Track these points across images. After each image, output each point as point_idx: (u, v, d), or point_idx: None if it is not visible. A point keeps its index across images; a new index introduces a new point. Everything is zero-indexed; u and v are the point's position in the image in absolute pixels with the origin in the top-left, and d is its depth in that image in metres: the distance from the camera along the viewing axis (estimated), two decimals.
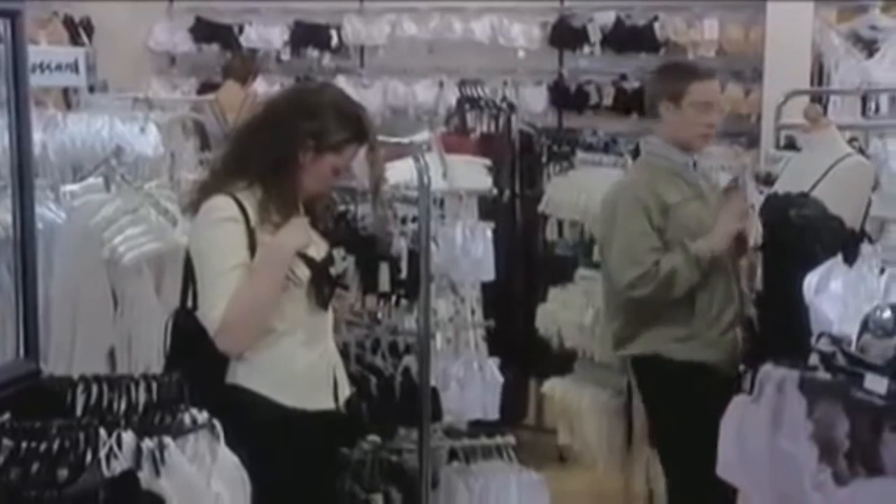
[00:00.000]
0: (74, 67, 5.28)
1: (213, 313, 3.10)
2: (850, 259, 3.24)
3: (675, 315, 4.05)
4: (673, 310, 4.03)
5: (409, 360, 4.10)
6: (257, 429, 3.01)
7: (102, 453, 2.19)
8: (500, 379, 4.45)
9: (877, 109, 7.00)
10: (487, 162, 5.11)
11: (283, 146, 3.21)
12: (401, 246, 4.09)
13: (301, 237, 3.27)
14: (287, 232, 3.25)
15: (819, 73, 7.44)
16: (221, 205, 3.17)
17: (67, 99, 6.18)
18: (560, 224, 6.11)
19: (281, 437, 3.16)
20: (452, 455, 4.27)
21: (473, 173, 4.77)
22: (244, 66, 8.05)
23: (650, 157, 4.23)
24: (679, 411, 4.05)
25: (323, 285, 3.30)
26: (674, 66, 4.78)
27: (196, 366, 2.99)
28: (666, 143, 4.14)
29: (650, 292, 3.97)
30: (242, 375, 3.18)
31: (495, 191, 4.88)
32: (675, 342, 4.05)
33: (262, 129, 3.29)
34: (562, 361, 5.79)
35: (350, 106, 3.43)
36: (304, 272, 3.25)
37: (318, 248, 3.35)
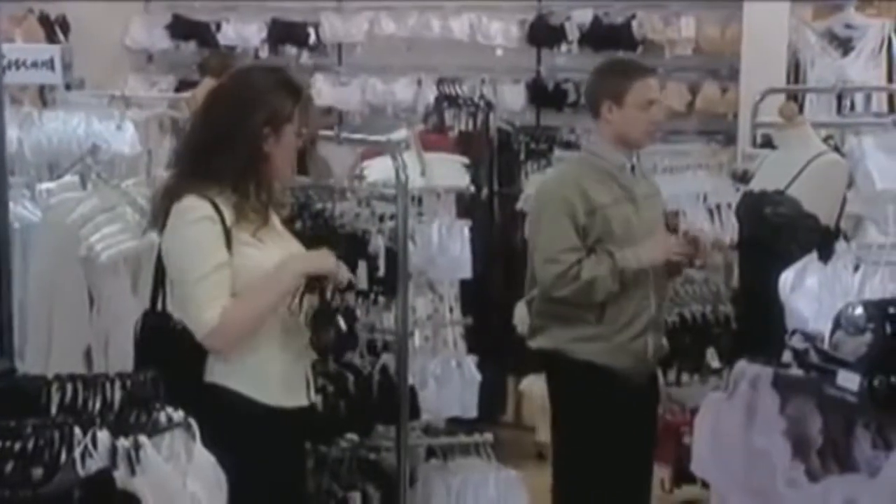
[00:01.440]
0: (50, 65, 5.26)
1: (203, 316, 3.08)
2: (825, 256, 3.26)
3: (583, 314, 4.00)
4: (583, 309, 3.99)
5: (387, 358, 4.11)
6: (235, 426, 3.02)
7: (77, 452, 2.18)
8: (478, 376, 4.46)
9: (852, 107, 7.03)
10: (465, 160, 5.11)
11: (249, 149, 3.20)
12: (379, 244, 4.09)
13: (320, 263, 3.28)
14: (312, 257, 3.28)
15: (795, 71, 7.46)
16: (196, 205, 3.15)
17: (43, 96, 6.14)
18: None
19: (258, 434, 3.17)
20: (430, 453, 4.28)
21: (451, 171, 4.77)
22: (221, 63, 8.01)
23: (587, 156, 4.21)
24: (576, 411, 4.07)
25: (320, 328, 3.29)
26: (612, 64, 4.65)
27: (173, 366, 2.98)
28: (605, 143, 4.08)
29: (568, 293, 3.94)
30: (220, 374, 3.18)
31: (473, 188, 4.89)
32: (579, 341, 4.01)
33: (221, 138, 3.23)
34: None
35: (277, 74, 3.44)
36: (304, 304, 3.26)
37: (290, 246, 3.36)
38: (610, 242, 3.97)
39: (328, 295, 3.24)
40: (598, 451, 4.00)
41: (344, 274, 3.34)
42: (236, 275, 3.15)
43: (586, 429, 4.02)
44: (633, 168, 4.10)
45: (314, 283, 3.22)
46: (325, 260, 3.31)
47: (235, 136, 3.20)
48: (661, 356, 4.32)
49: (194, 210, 3.15)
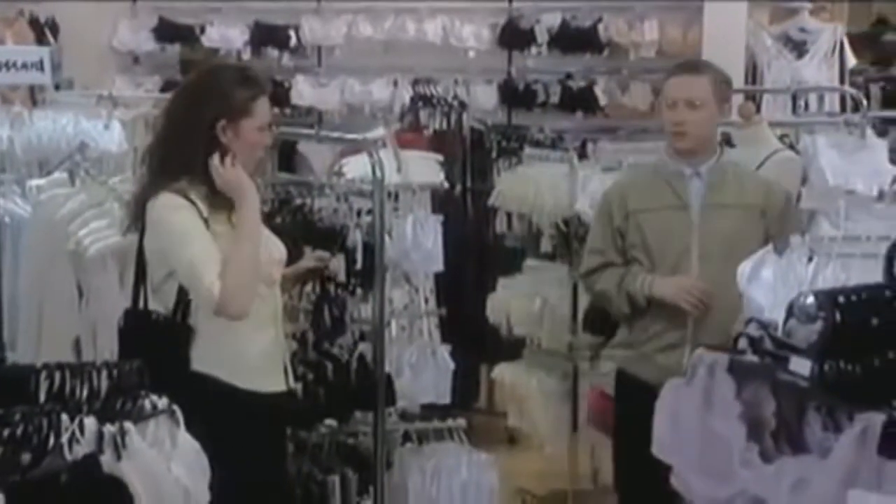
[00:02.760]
0: (40, 66, 5.21)
1: (212, 287, 3.06)
2: (781, 249, 3.27)
3: (623, 318, 3.87)
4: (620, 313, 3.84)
5: (365, 347, 4.11)
6: (218, 411, 3.04)
7: (65, 438, 2.17)
8: (452, 365, 4.46)
9: (806, 107, 7.07)
10: (440, 157, 5.12)
11: (203, 140, 3.19)
12: (356, 238, 4.08)
13: (250, 194, 3.21)
14: (240, 199, 3.21)
15: (752, 73, 7.50)
16: (171, 198, 3.15)
17: (34, 96, 6.12)
18: (509, 216, 6.16)
19: (239, 418, 3.18)
20: (406, 437, 4.28)
21: (426, 168, 4.77)
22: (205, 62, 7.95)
23: (656, 160, 3.92)
24: (614, 415, 4.04)
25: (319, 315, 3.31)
26: (673, 66, 4.07)
27: (157, 356, 2.98)
28: (666, 149, 3.84)
29: (590, 294, 3.89)
30: (204, 363, 3.19)
31: (447, 185, 4.89)
32: (616, 346, 3.96)
33: (179, 132, 3.25)
34: (511, 348, 5.82)
35: (235, 69, 3.49)
36: (276, 273, 3.28)
37: (274, 247, 3.35)
38: (642, 249, 3.73)
39: (326, 285, 3.26)
40: (620, 459, 3.95)
41: (335, 265, 3.34)
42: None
43: (616, 435, 3.97)
44: (698, 173, 3.70)
45: (311, 274, 3.24)
46: (247, 188, 3.22)
47: (193, 127, 3.20)
48: None
49: (172, 200, 3.15)
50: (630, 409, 3.67)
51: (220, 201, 3.21)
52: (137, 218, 3.26)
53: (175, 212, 3.15)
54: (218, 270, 3.07)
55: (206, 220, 3.15)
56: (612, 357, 3.96)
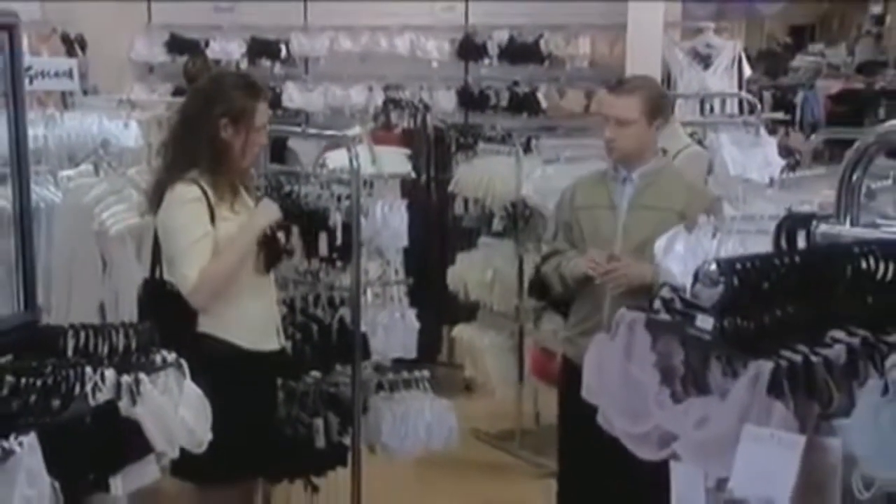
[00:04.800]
0: (70, 75, 5.18)
1: (187, 276, 3.07)
2: (690, 227, 3.28)
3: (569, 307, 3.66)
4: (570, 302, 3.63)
5: (344, 311, 4.08)
6: (220, 365, 3.03)
7: (88, 387, 2.16)
8: (418, 325, 4.45)
9: (711, 110, 7.10)
10: (408, 151, 5.09)
11: (209, 135, 3.16)
12: (336, 219, 4.06)
13: (272, 215, 3.28)
14: (261, 212, 3.25)
15: (667, 81, 7.52)
16: (186, 189, 3.13)
17: (64, 101, 6.02)
18: (466, 201, 6.13)
19: (238, 371, 3.18)
20: (379, 386, 4.26)
21: (397, 161, 4.74)
22: (200, 68, 7.84)
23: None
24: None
25: (266, 254, 3.29)
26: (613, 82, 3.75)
27: (170, 320, 2.96)
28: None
29: (541, 276, 3.68)
30: (208, 325, 3.18)
31: (414, 175, 4.86)
32: (560, 331, 3.79)
33: (189, 129, 3.22)
34: (468, 311, 5.82)
35: (238, 77, 3.46)
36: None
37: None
38: (580, 242, 3.55)
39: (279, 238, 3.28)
40: (562, 442, 3.69)
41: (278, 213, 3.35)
42: (217, 242, 3.13)
43: (559, 418, 3.74)
44: (624, 178, 3.49)
45: (265, 246, 3.25)
46: (273, 211, 3.30)
47: (200, 125, 3.17)
48: None
49: (184, 194, 3.12)
50: (565, 386, 3.57)
51: (224, 190, 3.18)
52: (156, 202, 3.22)
53: (184, 204, 3.11)
54: (200, 266, 3.06)
55: (212, 209, 3.13)
56: (561, 343, 3.74)
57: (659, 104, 3.53)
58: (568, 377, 3.49)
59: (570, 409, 3.51)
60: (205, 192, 3.12)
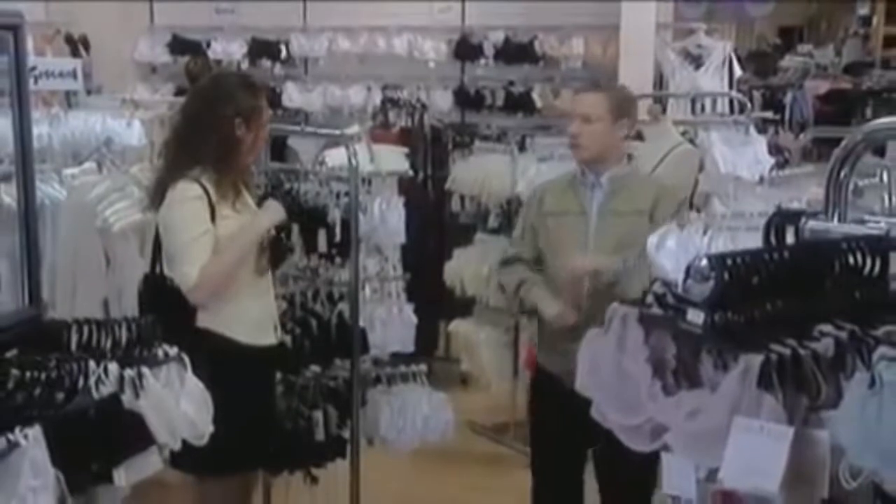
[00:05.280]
0: (74, 75, 5.17)
1: (187, 273, 3.06)
2: (682, 224, 3.28)
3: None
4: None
5: (343, 306, 4.08)
6: (219, 359, 3.01)
7: (92, 380, 2.15)
8: (415, 320, 4.44)
9: (703, 109, 7.09)
10: (405, 150, 5.08)
11: (223, 133, 3.15)
12: (335, 216, 4.05)
13: (277, 216, 3.28)
14: (265, 213, 3.24)
15: (660, 81, 7.52)
16: (188, 187, 3.12)
17: (69, 100, 6.00)
18: (462, 198, 6.13)
19: (236, 365, 3.18)
20: (377, 380, 4.26)
21: (394, 159, 4.73)
22: (201, 68, 7.84)
23: (572, 169, 3.53)
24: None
25: (271, 254, 3.30)
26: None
27: (171, 315, 2.96)
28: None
29: (497, 281, 3.57)
30: (207, 321, 3.17)
31: (411, 172, 4.85)
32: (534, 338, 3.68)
33: (193, 128, 3.20)
34: (464, 306, 5.82)
35: (238, 77, 3.50)
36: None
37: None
38: (547, 247, 3.42)
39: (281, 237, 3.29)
40: (535, 449, 3.59)
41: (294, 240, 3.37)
42: (218, 240, 3.12)
43: (530, 426, 3.64)
44: (595, 185, 3.37)
45: (272, 240, 3.27)
46: (279, 212, 3.29)
47: (210, 125, 3.16)
48: None
49: (186, 191, 3.11)
50: (539, 398, 3.51)
51: (227, 189, 3.17)
52: (157, 200, 3.21)
53: (185, 202, 3.11)
54: (200, 263, 3.06)
55: (213, 207, 3.12)
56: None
57: (624, 105, 3.42)
58: (538, 385, 3.50)
59: (540, 414, 3.53)
60: (206, 191, 3.11)
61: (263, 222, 3.25)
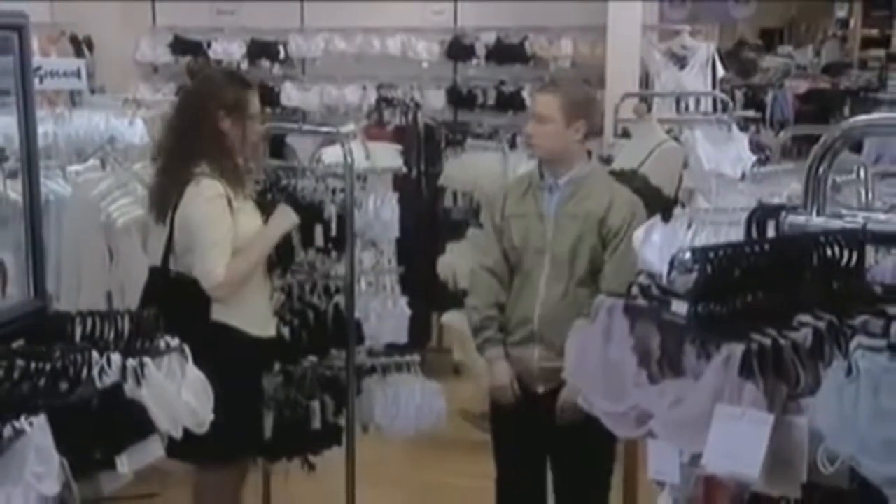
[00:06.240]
0: (78, 75, 5.16)
1: (213, 272, 3.07)
2: (667, 218, 3.28)
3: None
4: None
5: (339, 299, 4.07)
6: (236, 351, 3.10)
7: (95, 370, 2.15)
8: (409, 312, 4.43)
9: (686, 107, 7.11)
10: (399, 147, 5.07)
11: (209, 128, 3.15)
12: (331, 211, 4.04)
13: (291, 221, 3.34)
14: (282, 218, 3.30)
15: (645, 80, 7.53)
16: (210, 184, 3.11)
17: (73, 99, 5.99)
18: (455, 194, 6.12)
19: (246, 356, 3.22)
20: (372, 370, 4.25)
21: (389, 156, 4.73)
22: (204, 69, 7.81)
23: (530, 171, 3.44)
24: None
25: (282, 255, 3.33)
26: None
27: (184, 309, 2.96)
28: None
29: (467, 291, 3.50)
30: (221, 314, 3.18)
31: (405, 169, 4.85)
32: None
33: (187, 126, 3.20)
34: (456, 299, 5.79)
35: (224, 72, 3.45)
36: None
37: (254, 219, 3.31)
38: (511, 249, 3.33)
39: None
40: (497, 450, 3.53)
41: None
42: (235, 235, 3.13)
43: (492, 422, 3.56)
44: (553, 185, 3.28)
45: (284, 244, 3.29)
46: (292, 217, 3.34)
47: (199, 121, 3.15)
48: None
49: (209, 189, 3.11)
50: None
51: (234, 181, 3.17)
52: (166, 200, 3.19)
53: (209, 201, 3.10)
54: (225, 261, 3.06)
55: (230, 202, 3.12)
56: None
57: (580, 107, 3.24)
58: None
59: (499, 412, 3.46)
60: (224, 188, 3.12)
61: (276, 230, 3.27)
